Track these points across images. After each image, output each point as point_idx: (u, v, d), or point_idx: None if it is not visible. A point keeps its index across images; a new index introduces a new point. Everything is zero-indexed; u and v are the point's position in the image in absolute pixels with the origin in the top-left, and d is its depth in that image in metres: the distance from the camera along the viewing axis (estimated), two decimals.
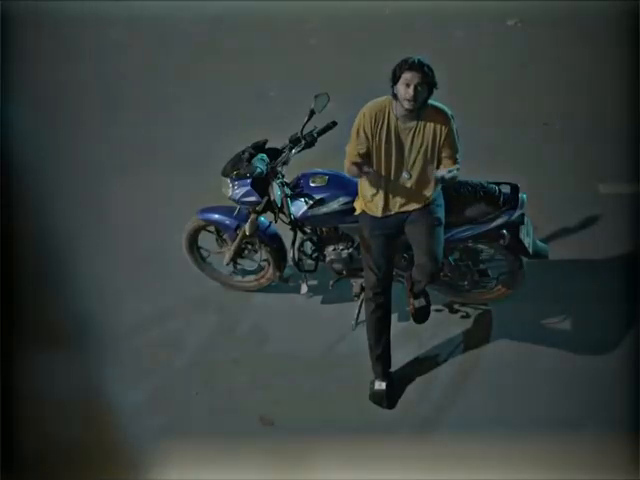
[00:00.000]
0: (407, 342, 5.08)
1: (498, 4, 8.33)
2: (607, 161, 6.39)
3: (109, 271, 5.45)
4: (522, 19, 8.42)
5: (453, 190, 4.67)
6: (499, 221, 4.75)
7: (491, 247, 5.01)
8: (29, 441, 0.72)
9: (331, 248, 5.08)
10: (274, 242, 5.23)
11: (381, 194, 4.55)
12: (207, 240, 5.40)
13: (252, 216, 5.00)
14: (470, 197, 4.75)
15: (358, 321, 5.05)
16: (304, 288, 5.22)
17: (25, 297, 0.73)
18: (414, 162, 4.43)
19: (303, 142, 4.81)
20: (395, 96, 4.28)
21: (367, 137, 4.38)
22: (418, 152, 4.40)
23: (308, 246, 5.20)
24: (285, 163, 4.88)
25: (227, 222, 5.19)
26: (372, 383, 4.83)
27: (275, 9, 8.45)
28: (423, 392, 4.88)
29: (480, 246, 5.04)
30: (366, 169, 4.39)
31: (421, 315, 5.01)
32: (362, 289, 4.99)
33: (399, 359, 4.95)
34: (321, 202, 4.85)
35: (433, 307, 5.08)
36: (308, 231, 5.11)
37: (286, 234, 5.17)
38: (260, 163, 4.82)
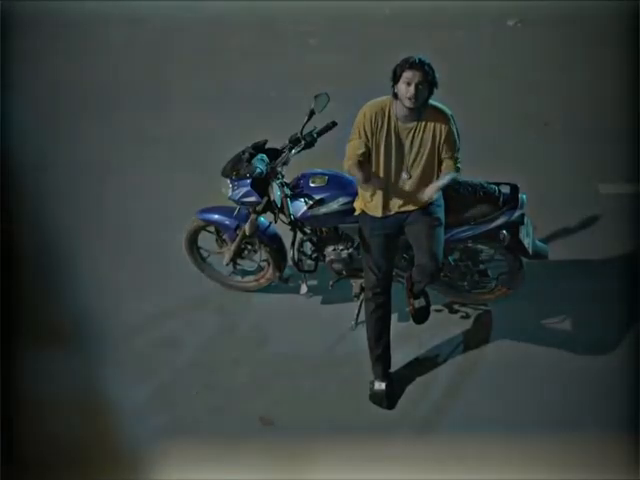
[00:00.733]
0: (407, 342, 5.08)
1: (498, 4, 8.34)
2: (607, 161, 6.39)
3: (109, 271, 5.46)
4: (522, 19, 8.42)
5: (453, 190, 4.67)
6: (499, 221, 4.75)
7: (491, 247, 5.01)
8: (29, 441, 0.72)
9: (331, 248, 5.08)
10: (274, 242, 5.23)
11: (381, 194, 4.55)
12: (207, 240, 5.40)
13: (252, 216, 5.00)
14: (470, 197, 4.75)
15: (358, 321, 5.05)
16: (304, 288, 5.22)
17: (25, 297, 0.73)
18: (414, 162, 4.44)
19: (303, 142, 4.81)
20: (396, 95, 4.28)
21: (367, 136, 4.39)
22: (418, 152, 4.41)
23: (308, 246, 5.20)
24: (285, 163, 4.88)
25: (227, 222, 5.19)
26: (372, 383, 4.83)
27: (275, 9, 8.46)
28: (423, 392, 4.88)
29: (480, 246, 5.04)
30: (374, 181, 4.39)
31: (421, 315, 5.01)
32: (362, 289, 4.99)
33: (399, 359, 4.95)
34: (321, 202, 4.85)
35: (433, 307, 5.08)
36: (308, 231, 5.10)
37: (286, 234, 5.17)
38: (260, 163, 4.82)
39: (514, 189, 4.81)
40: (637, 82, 6.76)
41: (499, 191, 4.78)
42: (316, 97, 4.79)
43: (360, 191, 4.68)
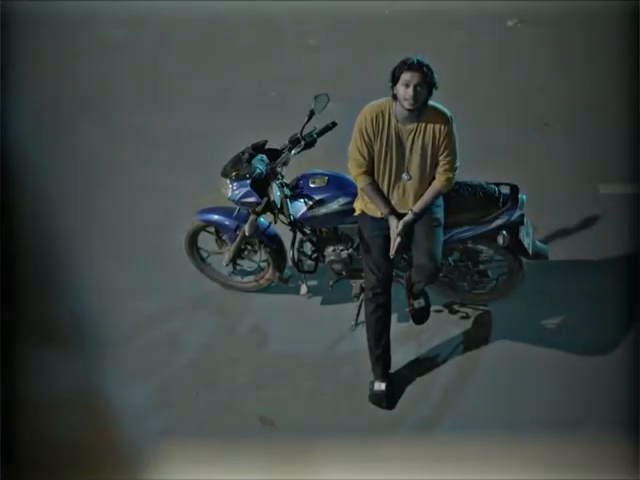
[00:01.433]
0: (407, 343, 5.08)
1: (498, 5, 8.33)
2: (607, 161, 6.39)
3: (109, 272, 5.45)
4: (522, 20, 8.42)
5: (453, 191, 4.67)
6: (499, 222, 4.75)
7: (491, 248, 5.01)
8: (29, 441, 0.73)
9: (331, 249, 5.08)
10: (274, 243, 5.23)
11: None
12: (207, 241, 5.40)
13: (252, 217, 5.00)
14: (470, 198, 4.75)
15: (358, 322, 5.05)
16: (304, 289, 5.22)
17: (25, 297, 0.73)
18: (414, 163, 4.44)
19: (303, 143, 4.81)
20: (395, 97, 4.29)
21: (369, 138, 4.39)
22: (418, 153, 4.41)
23: (308, 247, 5.20)
24: (285, 164, 4.88)
25: (227, 223, 5.19)
26: (372, 384, 4.83)
27: (275, 10, 8.45)
28: (423, 393, 4.88)
29: (480, 247, 5.04)
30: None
31: (421, 316, 5.01)
32: (362, 290, 4.99)
33: (399, 360, 4.95)
34: (321, 203, 4.85)
35: (433, 308, 5.08)
36: (308, 232, 5.10)
37: (286, 235, 5.17)
38: (260, 164, 4.83)
39: (514, 189, 4.81)
40: (637, 82, 6.76)
41: (499, 191, 4.78)
42: (316, 97, 4.80)
43: (360, 192, 4.68)
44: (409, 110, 4.27)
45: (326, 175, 4.94)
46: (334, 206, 4.85)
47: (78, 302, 0.81)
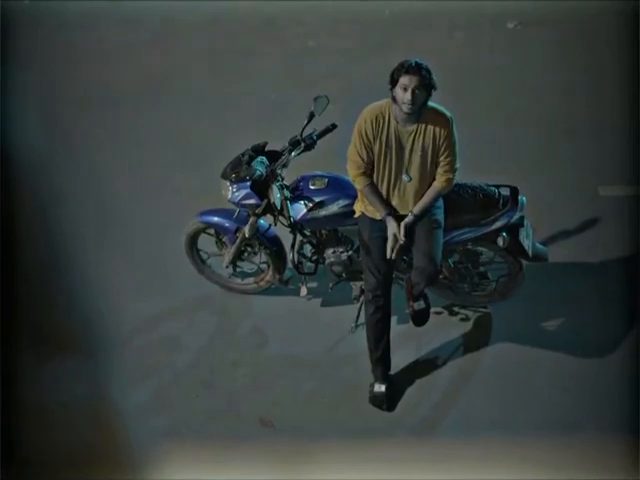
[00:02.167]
0: (406, 344, 5.07)
1: (498, 7, 8.34)
2: (606, 163, 6.39)
3: (109, 273, 5.44)
4: (522, 21, 8.43)
5: (453, 192, 4.67)
6: (499, 223, 4.75)
7: (491, 250, 5.01)
8: (30, 441, 0.72)
9: (331, 251, 5.08)
10: (274, 245, 5.23)
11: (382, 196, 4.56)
12: (207, 243, 5.40)
13: (252, 219, 5.00)
14: (470, 200, 4.75)
15: (358, 323, 5.05)
16: (304, 290, 5.22)
17: (26, 298, 0.73)
18: (414, 164, 4.44)
19: (303, 145, 4.81)
20: (394, 99, 4.29)
21: (369, 140, 4.39)
22: (418, 155, 4.41)
23: (307, 249, 5.20)
24: (285, 166, 4.88)
25: (226, 225, 5.19)
26: (372, 386, 4.83)
27: (274, 11, 8.46)
28: (423, 394, 4.87)
29: (480, 248, 5.04)
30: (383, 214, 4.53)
31: (420, 317, 5.00)
32: (362, 292, 4.99)
33: (399, 361, 4.94)
34: (321, 205, 4.85)
35: (433, 309, 5.08)
36: (308, 234, 5.11)
37: (286, 237, 5.17)
38: (260, 166, 4.83)
39: (514, 191, 4.81)
40: (637, 82, 6.77)
41: (499, 193, 4.78)
42: (316, 99, 4.80)
43: (360, 193, 4.68)
44: (407, 113, 4.27)
45: (326, 177, 4.94)
46: (334, 208, 4.85)
47: (78, 303, 0.81)
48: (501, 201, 4.75)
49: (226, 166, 4.97)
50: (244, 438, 4.57)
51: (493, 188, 4.81)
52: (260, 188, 4.87)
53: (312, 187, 4.90)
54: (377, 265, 4.62)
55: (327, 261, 5.11)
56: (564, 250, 5.58)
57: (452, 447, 4.47)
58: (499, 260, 5.05)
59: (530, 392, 4.80)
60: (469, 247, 5.00)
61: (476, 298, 5.27)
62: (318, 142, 4.88)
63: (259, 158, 4.87)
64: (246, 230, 5.05)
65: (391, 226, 4.53)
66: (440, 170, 4.46)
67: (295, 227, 5.03)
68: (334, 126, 4.91)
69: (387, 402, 4.80)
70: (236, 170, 4.87)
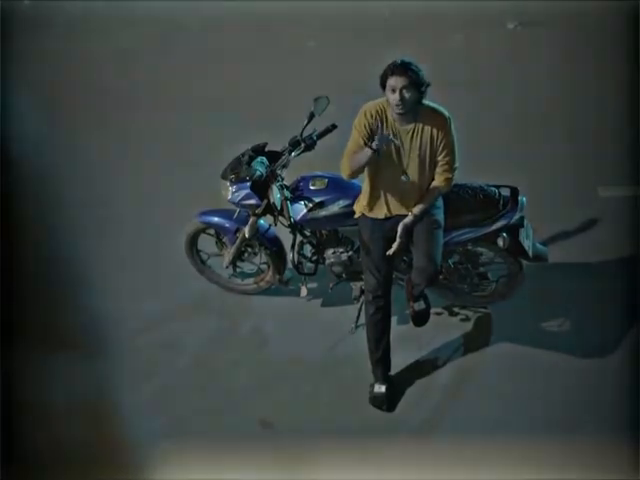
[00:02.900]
0: (407, 345, 5.07)
1: (498, 7, 8.35)
2: (606, 164, 6.39)
3: (109, 273, 5.45)
4: (522, 21, 8.44)
5: (453, 193, 4.67)
6: (499, 224, 4.75)
7: (491, 250, 5.01)
8: (30, 441, 0.72)
9: (331, 251, 5.08)
10: (274, 245, 5.23)
11: (382, 197, 4.55)
12: (207, 243, 5.40)
13: (252, 219, 5.00)
14: (470, 200, 4.75)
15: (358, 324, 5.05)
16: (304, 291, 5.22)
17: (26, 298, 0.73)
18: (412, 164, 4.43)
19: (303, 145, 4.81)
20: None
21: (368, 135, 4.37)
22: (416, 154, 4.40)
23: (308, 249, 5.20)
24: (285, 166, 4.88)
25: (227, 225, 5.20)
26: (372, 386, 4.83)
27: (274, 11, 8.47)
28: (423, 395, 4.87)
29: (480, 249, 5.04)
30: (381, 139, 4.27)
31: (421, 318, 5.01)
32: (362, 292, 4.99)
33: (399, 362, 4.94)
34: (321, 205, 4.85)
35: (433, 310, 5.08)
36: (308, 234, 5.11)
37: (286, 237, 5.17)
38: (260, 166, 4.83)
39: (514, 192, 4.81)
40: (637, 83, 6.77)
41: (499, 194, 4.78)
42: (316, 100, 4.80)
43: (363, 193, 4.67)
44: (400, 114, 4.26)
45: (326, 177, 4.95)
46: (334, 208, 4.85)
47: (78, 303, 0.81)
48: (501, 201, 4.75)
49: (226, 166, 4.98)
50: (244, 438, 4.57)
51: (493, 188, 4.81)
52: (260, 188, 4.87)
53: (312, 187, 4.90)
54: (377, 265, 4.62)
55: (327, 261, 5.11)
56: (564, 250, 5.58)
57: (452, 447, 4.47)
58: (499, 260, 5.05)
59: (530, 392, 4.80)
60: (469, 247, 5.00)
61: (476, 298, 5.27)
62: (318, 142, 4.88)
63: (259, 158, 4.87)
64: (246, 230, 5.05)
65: (379, 145, 4.27)
66: (439, 170, 4.46)
67: (295, 227, 5.03)
68: (334, 126, 4.92)
69: (387, 402, 4.80)
70: (236, 170, 4.87)
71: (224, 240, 5.32)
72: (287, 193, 4.88)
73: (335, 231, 5.02)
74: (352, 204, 4.79)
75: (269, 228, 5.17)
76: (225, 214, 5.18)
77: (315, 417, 4.74)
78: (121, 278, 5.47)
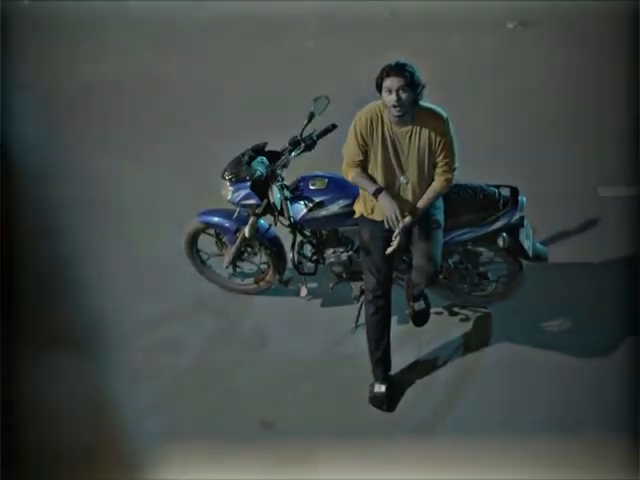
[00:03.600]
0: (407, 345, 5.07)
1: (498, 7, 8.34)
2: (606, 164, 6.39)
3: (109, 273, 5.45)
4: (522, 22, 8.43)
5: (453, 193, 4.67)
6: (499, 224, 4.75)
7: (491, 250, 5.01)
8: (30, 441, 0.72)
9: (331, 251, 5.08)
10: (274, 245, 5.23)
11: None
12: (207, 243, 5.40)
13: (252, 219, 5.00)
14: (470, 200, 4.75)
15: (358, 324, 5.05)
16: (304, 291, 5.22)
17: (26, 298, 0.73)
18: (411, 165, 4.43)
19: (303, 145, 4.81)
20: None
21: (364, 140, 4.38)
22: (415, 156, 4.40)
23: (308, 249, 5.20)
24: (285, 166, 4.88)
25: (227, 225, 5.20)
26: (372, 386, 4.83)
27: (274, 11, 8.46)
28: (423, 395, 4.87)
29: (480, 249, 5.04)
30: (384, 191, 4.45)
31: (421, 318, 5.01)
32: (362, 292, 4.99)
33: (399, 362, 4.94)
34: (321, 205, 4.85)
35: (433, 310, 5.09)
36: (308, 234, 5.11)
37: (286, 237, 5.17)
38: (260, 166, 4.83)
39: (514, 192, 4.81)
40: (637, 83, 6.77)
41: (499, 194, 4.78)
42: (316, 100, 4.81)
43: (361, 194, 4.67)
44: (397, 115, 4.26)
45: (326, 177, 4.95)
46: (334, 208, 4.85)
47: (78, 303, 0.81)
48: (501, 201, 4.75)
49: (226, 166, 4.98)
50: (244, 438, 4.57)
51: (493, 188, 4.81)
52: (260, 188, 4.87)
53: (312, 187, 4.90)
54: (377, 265, 4.62)
55: (327, 261, 5.11)
56: (564, 250, 5.58)
57: (452, 447, 4.48)
58: (499, 260, 5.05)
59: (530, 392, 4.80)
60: (469, 247, 5.00)
61: (476, 298, 5.26)
62: (318, 142, 4.88)
63: (259, 158, 4.87)
64: (246, 230, 5.05)
65: (385, 201, 4.43)
66: (438, 170, 4.45)
67: (295, 227, 5.03)
68: (334, 126, 4.92)
69: (387, 402, 4.80)
70: (236, 170, 4.87)
71: (224, 240, 5.32)
72: (287, 193, 4.89)
73: (335, 231, 5.02)
74: (352, 204, 4.78)
75: (269, 228, 5.17)
76: (225, 214, 5.18)
77: (315, 417, 4.74)
78: (121, 278, 5.47)
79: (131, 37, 8.44)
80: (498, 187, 4.83)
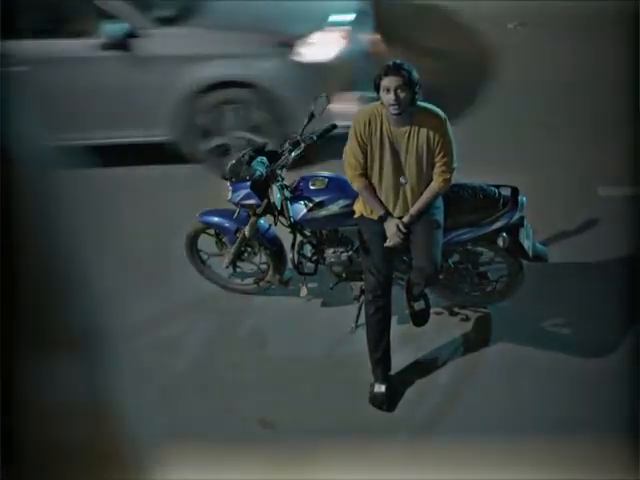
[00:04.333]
0: (407, 345, 5.07)
1: (498, 7, 8.34)
2: (607, 163, 6.39)
3: (109, 274, 5.43)
4: (522, 22, 8.43)
5: (452, 193, 4.66)
6: (499, 224, 4.75)
7: (491, 250, 5.01)
8: (30, 441, 0.73)
9: (331, 251, 5.08)
10: (274, 245, 5.23)
11: (381, 199, 4.55)
12: (207, 243, 5.40)
13: (252, 219, 5.01)
14: (470, 200, 4.75)
15: (358, 324, 5.05)
16: (304, 291, 5.22)
17: (26, 299, 0.73)
18: (410, 166, 4.43)
19: (303, 145, 4.82)
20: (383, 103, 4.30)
21: (363, 142, 4.39)
22: (413, 156, 4.40)
23: (308, 249, 5.20)
24: (285, 166, 4.88)
25: (227, 225, 5.20)
26: (372, 386, 4.83)
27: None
28: (423, 395, 4.87)
29: (480, 249, 5.04)
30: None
31: (420, 318, 5.01)
32: (362, 292, 4.99)
33: (399, 362, 4.94)
34: (321, 205, 4.85)
35: (432, 310, 5.08)
36: (308, 234, 5.11)
37: (286, 237, 5.17)
38: (260, 166, 4.83)
39: (514, 191, 4.81)
40: (637, 83, 6.76)
41: (499, 193, 4.78)
42: (316, 99, 4.81)
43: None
44: (395, 115, 4.27)
45: (326, 177, 4.95)
46: (334, 208, 4.85)
47: (78, 303, 0.81)
48: (501, 201, 4.75)
49: (226, 166, 4.98)
50: (244, 438, 4.57)
51: (493, 188, 4.81)
52: (260, 188, 4.87)
53: (312, 187, 4.90)
54: (377, 265, 4.62)
55: (327, 261, 5.11)
56: (564, 250, 5.58)
57: (452, 447, 4.47)
58: (499, 260, 5.05)
59: (529, 392, 4.80)
60: (469, 247, 5.00)
61: (476, 298, 5.26)
62: (318, 142, 4.89)
63: (259, 158, 4.87)
64: (246, 230, 5.05)
65: (389, 226, 4.53)
66: (437, 170, 4.46)
67: (295, 227, 5.03)
68: (334, 126, 4.92)
69: (387, 402, 4.80)
70: (236, 170, 4.87)
71: (224, 240, 5.32)
72: (287, 193, 4.89)
73: (335, 231, 5.02)
74: (352, 204, 4.78)
75: (269, 228, 5.17)
76: (225, 214, 5.19)
77: (315, 417, 4.74)
78: (121, 278, 5.47)
79: None
80: (498, 187, 4.83)
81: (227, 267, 5.34)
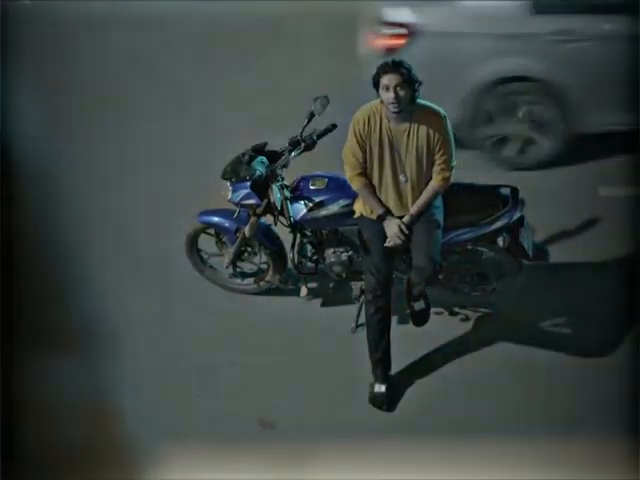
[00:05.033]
0: (407, 345, 5.07)
1: None
2: (606, 164, 6.39)
3: (109, 273, 5.44)
4: None
5: (452, 192, 4.66)
6: (499, 224, 4.75)
7: (491, 250, 5.01)
8: (29, 441, 0.72)
9: (331, 251, 5.08)
10: (274, 245, 5.23)
11: (381, 197, 4.55)
12: (207, 243, 5.40)
13: (252, 219, 5.00)
14: (470, 200, 4.75)
15: (358, 324, 5.05)
16: (304, 291, 5.22)
17: (26, 298, 0.73)
18: (409, 164, 4.43)
19: (303, 145, 4.81)
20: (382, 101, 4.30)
21: (363, 140, 4.38)
22: (413, 154, 4.40)
23: (308, 249, 5.20)
24: (285, 166, 4.88)
25: (227, 225, 5.20)
26: (372, 386, 4.83)
27: (273, 11, 8.45)
28: (423, 395, 4.87)
29: (480, 249, 5.04)
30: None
31: (420, 318, 5.01)
32: (362, 292, 4.99)
33: (399, 362, 4.94)
34: (321, 205, 4.85)
35: (433, 310, 5.08)
36: (308, 234, 5.10)
37: (286, 237, 5.17)
38: (260, 166, 4.83)
39: (514, 192, 4.81)
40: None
41: (499, 194, 4.78)
42: (316, 100, 4.81)
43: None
44: (395, 113, 4.26)
45: (326, 177, 4.95)
46: (334, 208, 4.85)
47: (78, 303, 0.81)
48: (501, 201, 4.75)
49: (226, 166, 4.97)
50: (244, 438, 4.57)
51: (493, 188, 4.81)
52: (260, 188, 4.87)
53: (312, 187, 4.90)
54: (377, 265, 4.62)
55: (327, 261, 5.10)
56: (564, 250, 5.58)
57: (452, 447, 4.47)
58: (499, 260, 5.05)
59: (530, 392, 4.81)
60: (469, 247, 5.00)
61: (476, 298, 5.26)
62: (318, 142, 4.89)
63: (259, 158, 4.87)
64: (246, 230, 5.05)
65: (389, 226, 4.52)
66: (436, 169, 4.46)
67: (295, 227, 5.03)
68: (334, 126, 4.92)
69: (387, 402, 4.80)
70: (236, 170, 4.87)
71: (224, 240, 5.32)
72: (287, 193, 4.89)
73: (335, 231, 5.02)
74: (352, 204, 4.79)
75: (269, 228, 5.17)
76: (225, 214, 5.18)
77: (315, 417, 4.74)
78: (121, 278, 5.47)
79: (131, 37, 8.43)
80: (498, 187, 4.83)
81: (227, 267, 5.34)
